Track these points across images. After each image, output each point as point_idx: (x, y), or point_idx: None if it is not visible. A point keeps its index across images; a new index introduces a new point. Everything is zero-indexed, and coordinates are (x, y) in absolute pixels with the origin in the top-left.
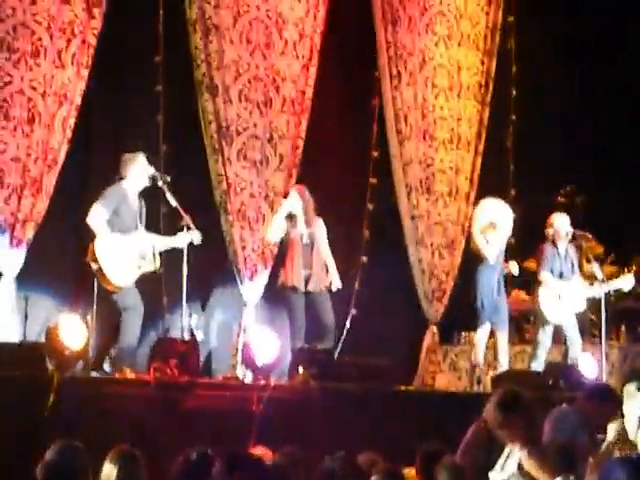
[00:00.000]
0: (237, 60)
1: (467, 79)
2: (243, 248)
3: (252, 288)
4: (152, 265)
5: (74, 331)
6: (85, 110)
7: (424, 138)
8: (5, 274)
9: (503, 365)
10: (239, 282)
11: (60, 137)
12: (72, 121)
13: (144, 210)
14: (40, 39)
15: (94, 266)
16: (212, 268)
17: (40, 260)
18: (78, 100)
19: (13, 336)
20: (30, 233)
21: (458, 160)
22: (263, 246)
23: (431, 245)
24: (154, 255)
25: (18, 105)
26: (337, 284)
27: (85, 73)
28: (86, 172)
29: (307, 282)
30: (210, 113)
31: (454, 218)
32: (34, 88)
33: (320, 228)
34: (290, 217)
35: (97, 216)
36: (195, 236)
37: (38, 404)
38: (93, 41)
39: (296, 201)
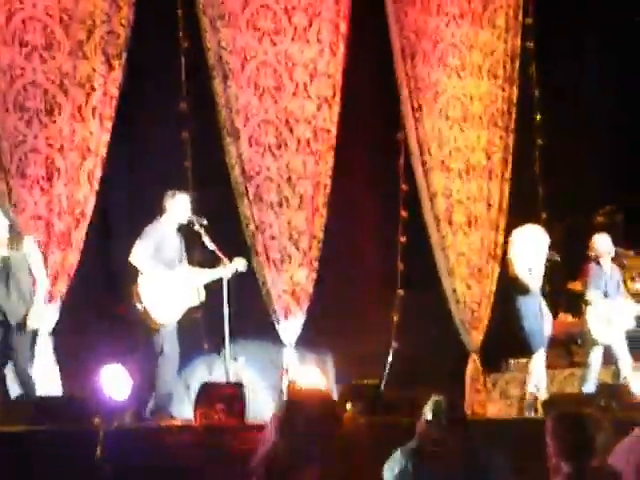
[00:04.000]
0: (246, 104)
1: (481, 108)
2: (274, 289)
3: (288, 328)
4: (197, 299)
5: (118, 381)
6: (110, 161)
7: (442, 170)
8: (41, 330)
9: (543, 389)
10: (275, 323)
11: (87, 190)
12: (98, 173)
13: (183, 246)
14: (54, 96)
15: (139, 306)
16: (245, 310)
17: (75, 313)
18: (103, 152)
19: (54, 390)
20: (63, 287)
21: (474, 190)
22: (293, 286)
23: (460, 275)
24: (198, 289)
25: (34, 163)
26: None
27: (109, 125)
28: (112, 223)
29: None
30: (233, 157)
31: (477, 247)
32: (51, 145)
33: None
34: None
35: (140, 253)
36: (240, 263)
37: (86, 457)
38: (115, 92)
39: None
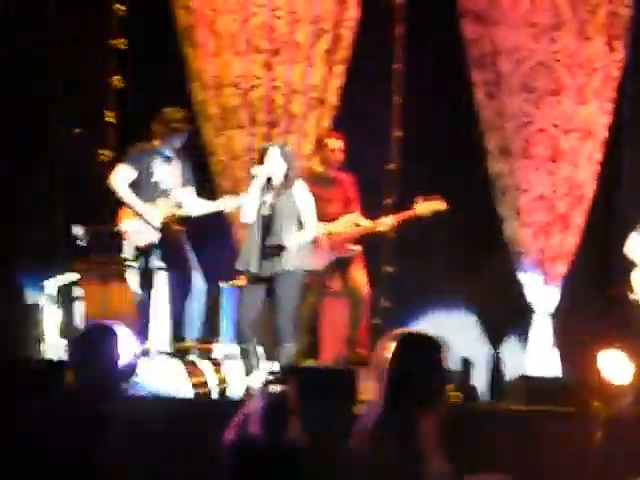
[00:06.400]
0: None
1: None
2: None
3: None
4: None
5: (618, 365)
6: (611, 145)
7: None
8: (539, 311)
9: None
10: None
11: (586, 172)
12: (597, 155)
13: None
14: (559, 77)
15: (631, 297)
16: None
17: (573, 295)
18: (603, 134)
19: (553, 372)
20: (562, 269)
21: None
22: None
23: None
24: None
25: (540, 144)
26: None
27: (608, 106)
28: (614, 206)
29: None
30: None
31: None
32: (556, 126)
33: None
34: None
35: (632, 245)
36: None
37: (583, 440)
38: (616, 74)
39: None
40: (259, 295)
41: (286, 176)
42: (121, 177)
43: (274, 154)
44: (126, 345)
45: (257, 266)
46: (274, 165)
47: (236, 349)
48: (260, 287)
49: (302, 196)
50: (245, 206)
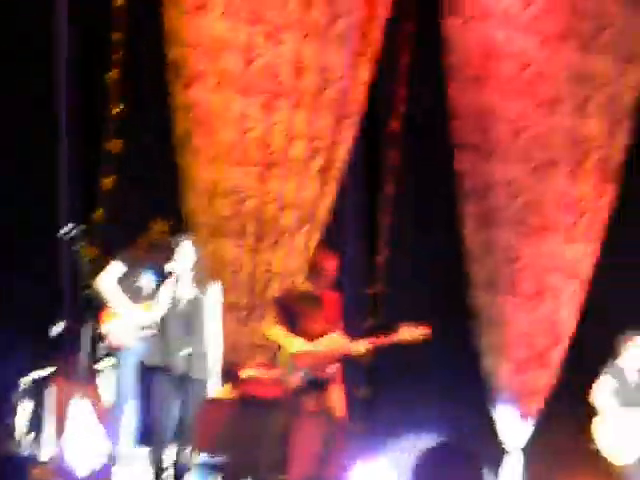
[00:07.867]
0: None
1: None
2: None
3: None
4: None
5: None
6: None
7: None
8: (511, 446)
9: None
10: None
11: (568, 311)
12: (580, 295)
13: None
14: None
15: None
16: None
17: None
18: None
19: None
20: (536, 405)
21: None
22: None
23: None
24: None
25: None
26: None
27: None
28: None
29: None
30: None
31: None
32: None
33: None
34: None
35: (600, 391)
36: None
37: None
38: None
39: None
40: (172, 393)
41: (195, 270)
42: (111, 276)
43: (187, 247)
44: (99, 449)
45: (170, 363)
46: (187, 259)
47: (143, 452)
48: (170, 384)
49: (217, 301)
50: (160, 303)
